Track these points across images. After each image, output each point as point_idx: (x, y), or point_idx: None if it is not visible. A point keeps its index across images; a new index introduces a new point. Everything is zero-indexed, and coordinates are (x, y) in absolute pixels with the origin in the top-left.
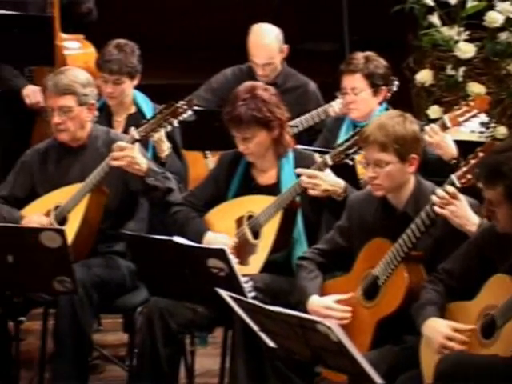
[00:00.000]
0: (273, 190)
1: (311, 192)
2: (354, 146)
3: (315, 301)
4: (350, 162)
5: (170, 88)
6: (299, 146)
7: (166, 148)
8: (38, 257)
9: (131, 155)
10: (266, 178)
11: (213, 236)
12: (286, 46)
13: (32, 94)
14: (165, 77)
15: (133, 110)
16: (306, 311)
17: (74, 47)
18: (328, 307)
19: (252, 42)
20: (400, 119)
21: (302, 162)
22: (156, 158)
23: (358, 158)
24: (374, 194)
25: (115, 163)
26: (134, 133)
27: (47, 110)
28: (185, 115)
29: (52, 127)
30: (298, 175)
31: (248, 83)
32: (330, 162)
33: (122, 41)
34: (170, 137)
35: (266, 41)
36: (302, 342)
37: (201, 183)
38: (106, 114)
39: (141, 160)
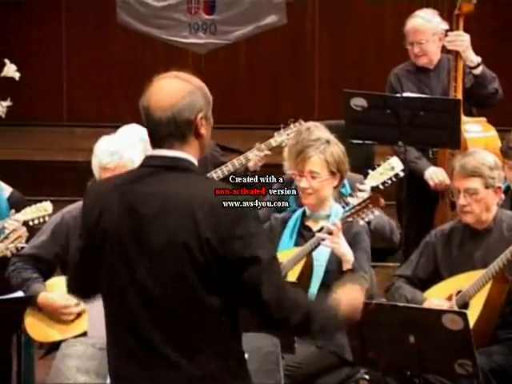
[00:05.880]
0: None
1: None
2: None
3: None
4: None
5: None
6: None
7: None
8: (440, 338)
9: None
10: None
11: None
12: None
13: (435, 175)
14: None
15: None
16: None
17: (476, 130)
18: None
19: None
20: None
21: None
22: None
23: None
24: None
25: None
26: None
27: (452, 191)
28: None
29: (458, 209)
30: None
31: None
32: None
33: None
34: None
35: None
36: None
37: None
38: (510, 197)
39: None
